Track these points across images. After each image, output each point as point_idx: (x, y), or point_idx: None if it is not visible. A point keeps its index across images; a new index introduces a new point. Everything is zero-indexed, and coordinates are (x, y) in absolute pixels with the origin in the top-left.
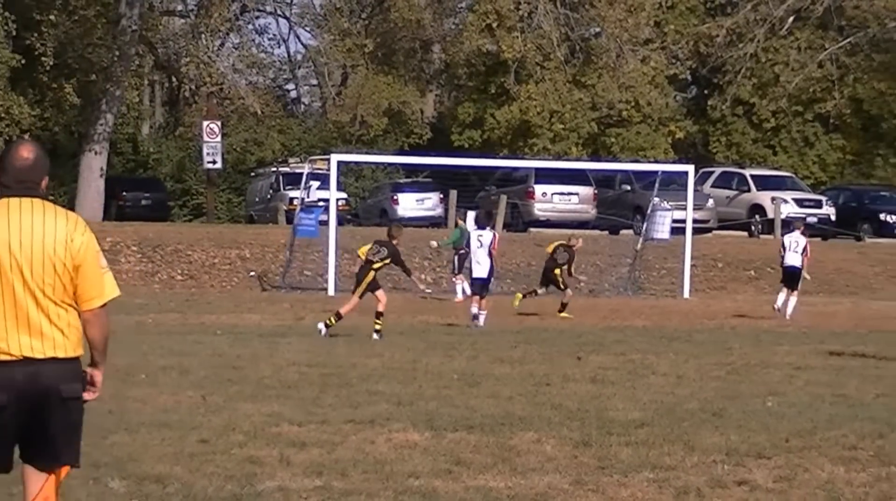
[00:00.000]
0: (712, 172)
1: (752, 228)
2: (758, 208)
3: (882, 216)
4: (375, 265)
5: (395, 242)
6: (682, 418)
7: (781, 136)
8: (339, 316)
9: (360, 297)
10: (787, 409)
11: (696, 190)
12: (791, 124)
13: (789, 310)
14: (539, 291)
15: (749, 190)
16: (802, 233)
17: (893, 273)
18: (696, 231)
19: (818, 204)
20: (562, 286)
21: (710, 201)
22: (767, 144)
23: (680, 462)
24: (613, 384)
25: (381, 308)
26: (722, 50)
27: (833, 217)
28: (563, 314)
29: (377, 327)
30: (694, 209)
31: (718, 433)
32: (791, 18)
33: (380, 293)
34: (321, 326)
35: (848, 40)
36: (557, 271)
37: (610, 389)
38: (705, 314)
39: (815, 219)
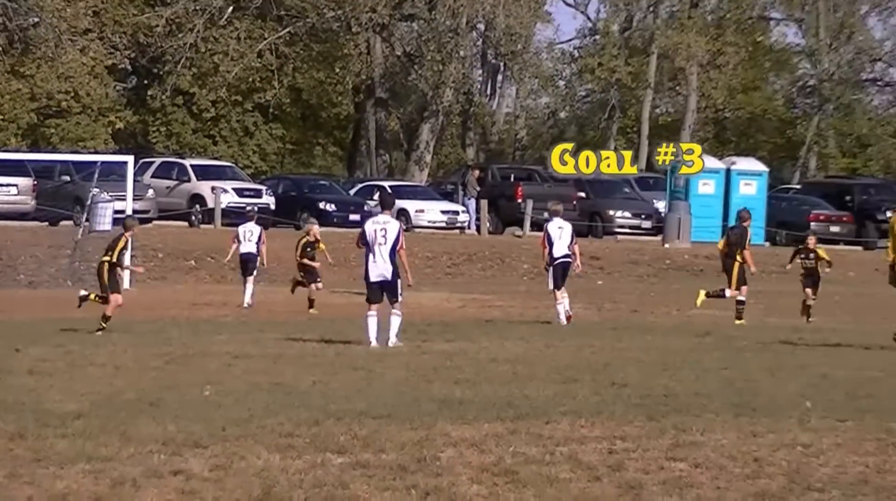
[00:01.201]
0: (153, 163)
1: (193, 218)
2: (198, 198)
3: (321, 205)
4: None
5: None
6: (120, 408)
7: (221, 126)
8: None
9: None
10: (224, 398)
11: (136, 181)
12: (231, 114)
13: (247, 298)
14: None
15: (189, 180)
16: (257, 223)
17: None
18: None
19: (258, 193)
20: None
21: (151, 192)
22: (207, 133)
23: (116, 453)
24: (51, 375)
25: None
26: (162, 40)
27: (273, 206)
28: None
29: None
30: (134, 200)
31: (155, 423)
32: (230, 9)
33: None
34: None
35: (287, 30)
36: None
37: (48, 381)
38: (146, 304)
39: (255, 208)
